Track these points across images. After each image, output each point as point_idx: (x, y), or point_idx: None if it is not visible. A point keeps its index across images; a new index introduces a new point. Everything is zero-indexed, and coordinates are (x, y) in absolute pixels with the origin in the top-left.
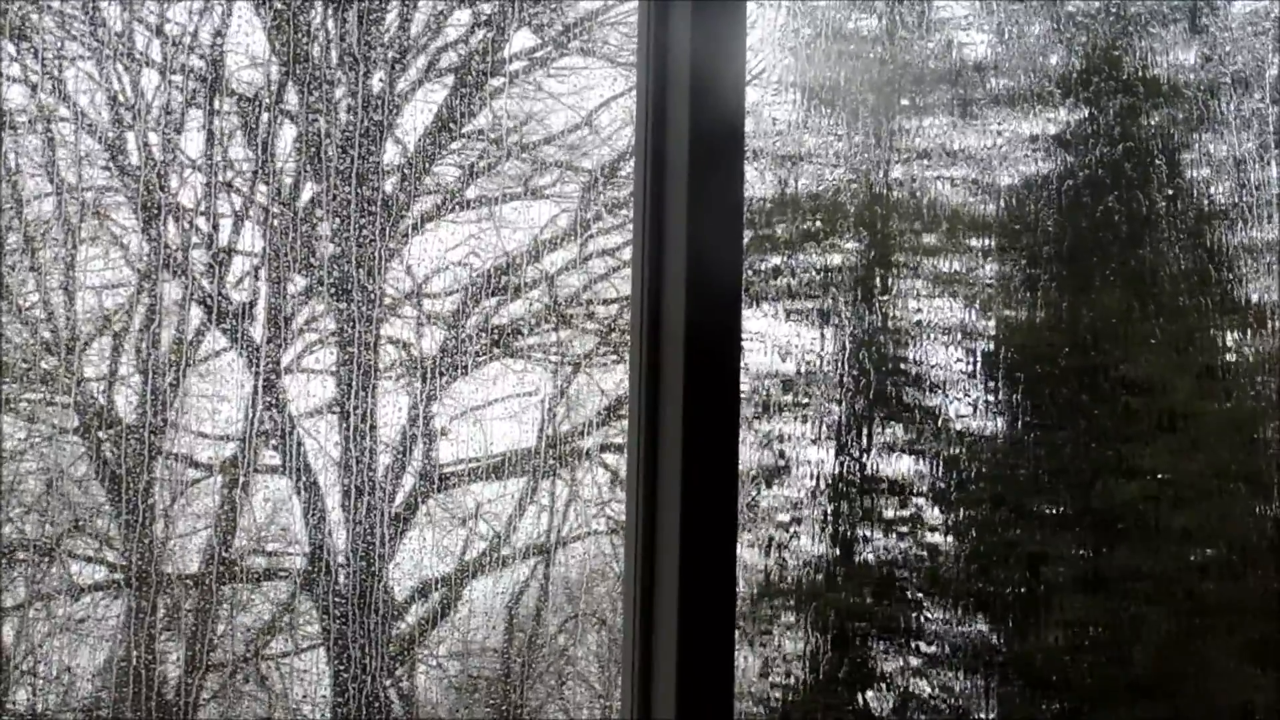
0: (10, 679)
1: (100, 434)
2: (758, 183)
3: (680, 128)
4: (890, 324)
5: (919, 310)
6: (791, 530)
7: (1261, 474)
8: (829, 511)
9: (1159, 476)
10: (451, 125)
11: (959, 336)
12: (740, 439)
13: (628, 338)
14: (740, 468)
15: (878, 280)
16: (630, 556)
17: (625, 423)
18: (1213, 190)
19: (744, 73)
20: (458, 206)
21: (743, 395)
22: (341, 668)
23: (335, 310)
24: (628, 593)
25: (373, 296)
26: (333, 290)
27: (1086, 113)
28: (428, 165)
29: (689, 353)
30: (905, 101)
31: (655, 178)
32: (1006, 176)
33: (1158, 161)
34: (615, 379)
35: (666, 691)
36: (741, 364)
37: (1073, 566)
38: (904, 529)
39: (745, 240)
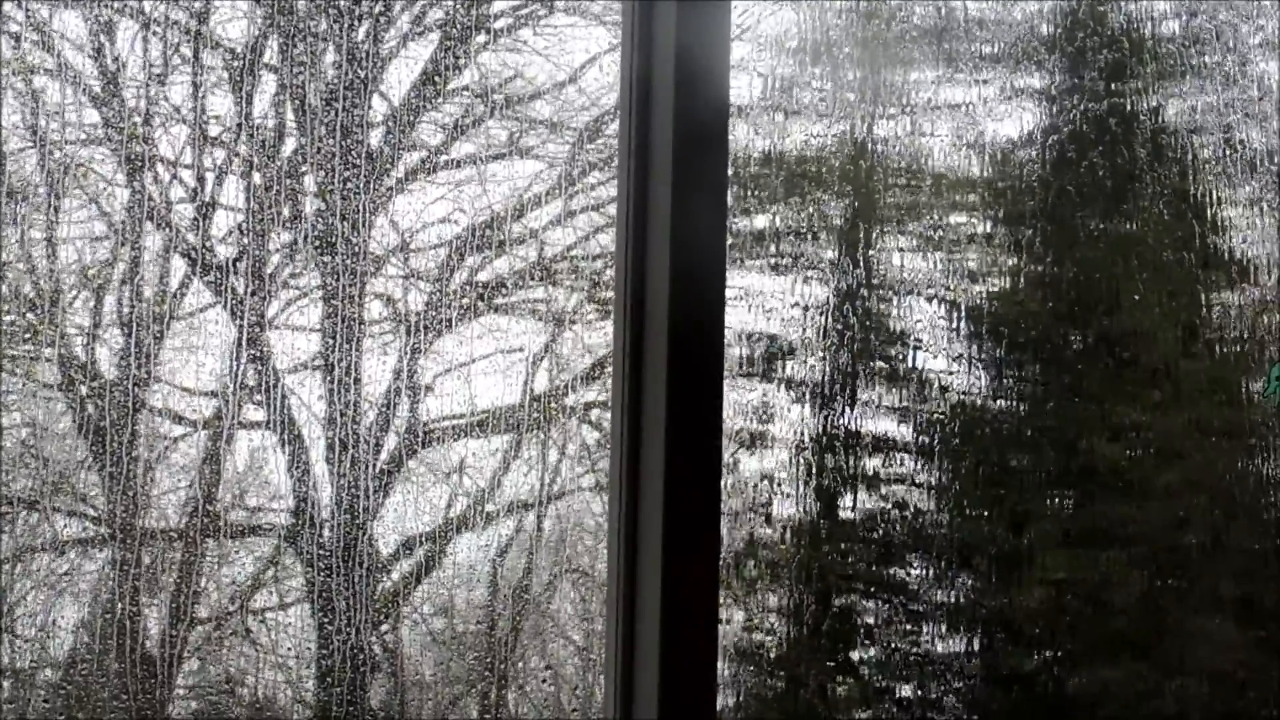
0: None
1: (83, 389)
2: (744, 140)
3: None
4: (874, 280)
5: (903, 267)
6: (774, 488)
7: (1245, 429)
8: (812, 469)
9: (1143, 433)
10: (436, 79)
11: (942, 292)
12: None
13: (613, 294)
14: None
15: (862, 237)
16: (614, 515)
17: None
18: (1197, 146)
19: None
20: (443, 164)
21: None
22: (326, 621)
23: (320, 265)
24: (611, 551)
25: (357, 251)
26: (317, 244)
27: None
28: (413, 120)
29: (673, 319)
30: (892, 56)
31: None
32: (992, 133)
33: (1142, 118)
34: (602, 336)
35: (649, 652)
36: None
37: (1056, 523)
38: (888, 486)
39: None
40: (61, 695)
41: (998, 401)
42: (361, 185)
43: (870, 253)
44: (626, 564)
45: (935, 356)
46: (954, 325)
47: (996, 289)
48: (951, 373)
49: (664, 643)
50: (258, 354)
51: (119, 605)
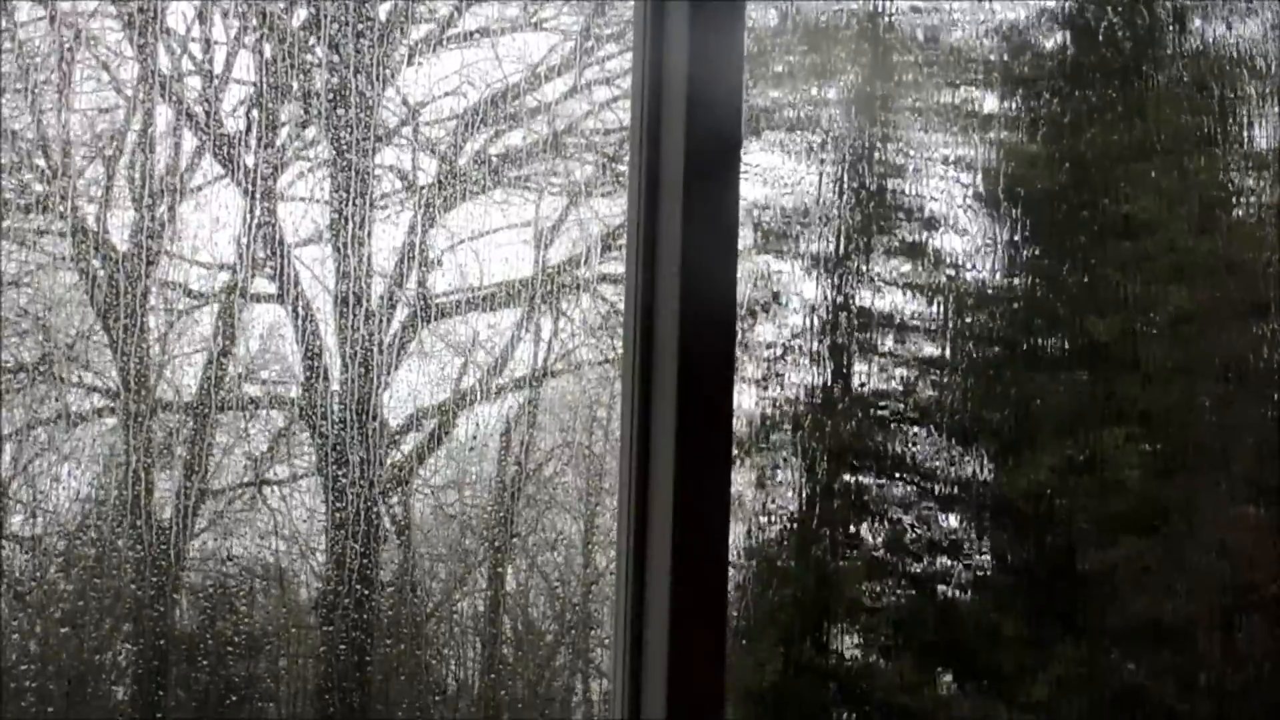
0: (6, 505)
1: (95, 261)
2: (759, 13)
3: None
4: (887, 157)
5: (917, 143)
6: (785, 361)
7: (1258, 309)
8: (823, 345)
9: (1154, 310)
10: None
11: (957, 170)
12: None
13: (624, 167)
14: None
15: (877, 112)
16: (627, 394)
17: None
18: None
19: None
20: (454, 35)
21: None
22: (336, 490)
23: (331, 135)
24: (624, 430)
25: (369, 114)
26: (330, 104)
27: None
28: None
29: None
30: None
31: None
32: (1008, 9)
33: None
34: (615, 207)
35: (663, 522)
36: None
37: (1067, 402)
38: (898, 363)
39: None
40: (73, 564)
41: (1008, 277)
42: (372, 50)
43: (884, 128)
44: (640, 438)
45: (947, 230)
46: (966, 200)
47: (1010, 163)
48: (965, 257)
49: (677, 513)
50: (267, 224)
51: (130, 475)
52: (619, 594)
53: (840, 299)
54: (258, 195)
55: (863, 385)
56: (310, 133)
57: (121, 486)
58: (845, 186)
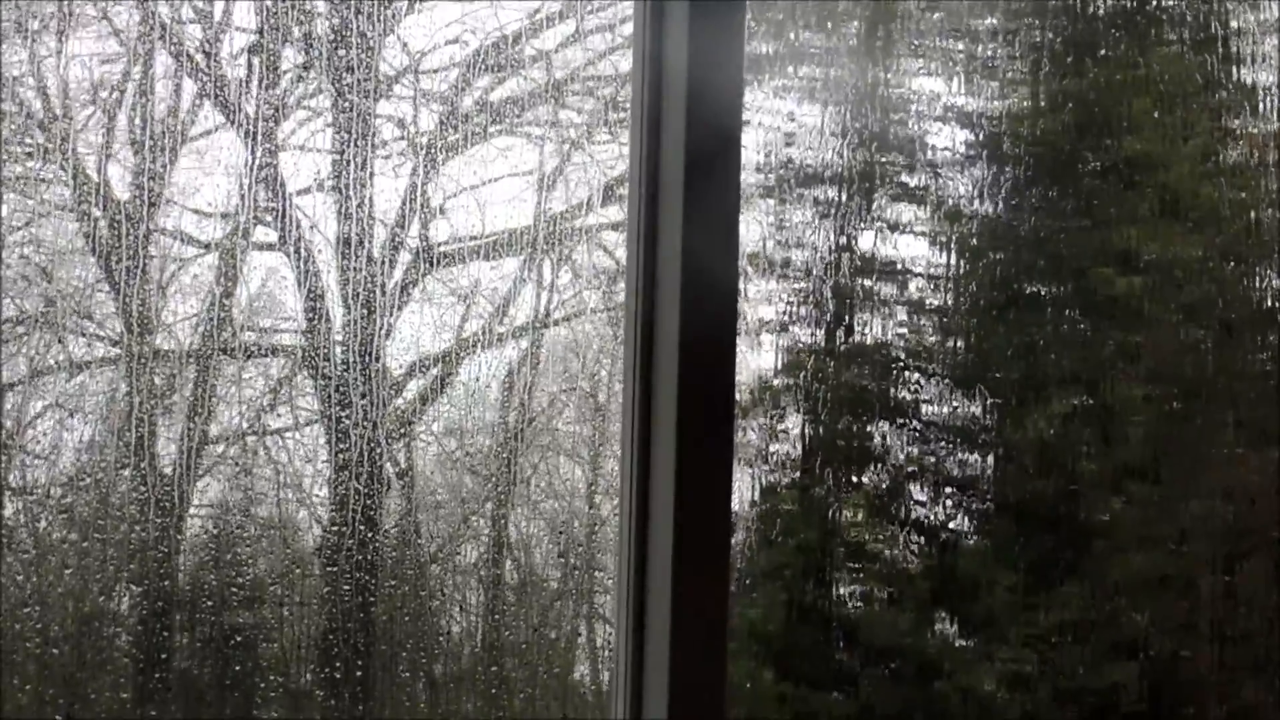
0: (9, 455)
1: (96, 210)
2: None
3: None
4: (890, 102)
5: (920, 89)
6: (788, 312)
7: (1258, 258)
8: (827, 294)
9: (1155, 259)
10: None
11: (959, 116)
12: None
13: (625, 114)
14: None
15: (878, 56)
16: (630, 343)
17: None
18: None
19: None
20: None
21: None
22: (338, 438)
23: (333, 77)
24: (627, 380)
25: (371, 55)
26: (331, 45)
27: None
28: None
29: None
30: None
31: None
32: None
33: None
34: (615, 152)
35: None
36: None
37: (1068, 351)
38: (902, 311)
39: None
40: (75, 513)
41: (1009, 224)
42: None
43: (888, 74)
44: (642, 390)
45: (948, 178)
46: (967, 148)
47: (1012, 110)
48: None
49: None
50: (269, 166)
51: (132, 424)
52: (622, 539)
53: (841, 246)
54: (259, 140)
55: (863, 333)
56: (312, 78)
57: (124, 432)
58: (848, 129)
